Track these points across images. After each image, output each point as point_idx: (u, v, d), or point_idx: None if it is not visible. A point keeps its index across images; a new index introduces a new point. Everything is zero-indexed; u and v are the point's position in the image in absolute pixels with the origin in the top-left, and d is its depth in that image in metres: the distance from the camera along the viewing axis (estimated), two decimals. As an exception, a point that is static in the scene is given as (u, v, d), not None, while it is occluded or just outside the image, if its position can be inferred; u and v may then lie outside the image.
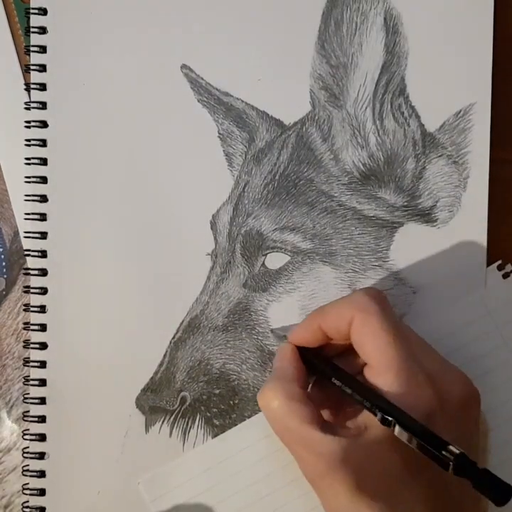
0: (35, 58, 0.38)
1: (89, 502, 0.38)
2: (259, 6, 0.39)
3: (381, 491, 0.30)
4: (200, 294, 0.38)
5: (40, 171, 0.38)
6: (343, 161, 0.38)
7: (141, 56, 0.39)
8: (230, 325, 0.38)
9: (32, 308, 0.38)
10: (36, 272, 0.38)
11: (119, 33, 0.39)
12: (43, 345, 0.38)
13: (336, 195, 0.38)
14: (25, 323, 0.38)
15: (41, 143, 0.38)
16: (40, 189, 0.38)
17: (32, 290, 0.38)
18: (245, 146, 0.39)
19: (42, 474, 0.38)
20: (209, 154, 0.39)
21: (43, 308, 0.38)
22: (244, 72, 0.39)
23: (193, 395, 0.38)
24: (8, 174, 0.39)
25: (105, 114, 0.39)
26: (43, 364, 0.38)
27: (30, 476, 0.38)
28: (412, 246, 0.38)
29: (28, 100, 0.38)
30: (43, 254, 0.38)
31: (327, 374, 0.33)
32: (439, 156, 0.38)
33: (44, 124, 0.38)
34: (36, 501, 0.38)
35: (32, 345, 0.38)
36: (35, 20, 0.38)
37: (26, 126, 0.38)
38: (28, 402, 0.38)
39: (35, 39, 0.38)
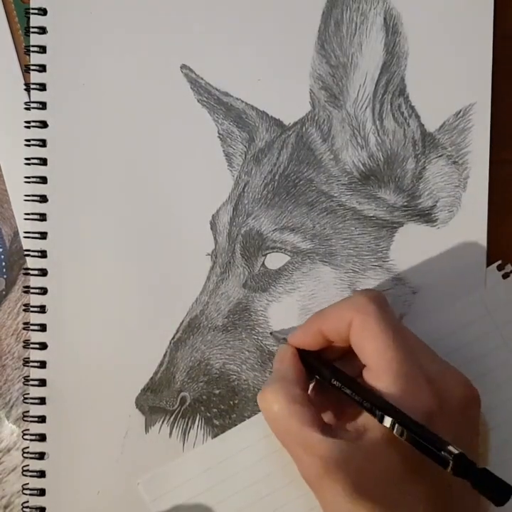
0: (35, 58, 0.38)
1: (89, 502, 0.38)
2: (259, 6, 0.39)
3: (381, 493, 0.30)
4: (200, 294, 0.38)
5: (40, 171, 0.38)
6: (343, 161, 0.38)
7: (141, 56, 0.39)
8: (229, 325, 0.38)
9: (32, 309, 0.38)
10: (36, 272, 0.38)
11: (119, 33, 0.39)
12: (43, 346, 0.38)
13: (335, 195, 0.38)
14: (25, 324, 0.38)
15: (41, 143, 0.38)
16: (39, 189, 0.38)
17: (32, 290, 0.38)
18: (245, 146, 0.39)
19: (42, 474, 0.38)
20: (209, 154, 0.39)
21: (42, 309, 0.38)
22: (244, 72, 0.39)
23: (192, 395, 0.38)
24: (8, 174, 0.39)
25: (105, 114, 0.39)
26: (42, 364, 0.38)
27: (30, 476, 0.38)
28: (412, 246, 0.38)
29: (27, 100, 0.38)
30: (43, 254, 0.38)
31: (327, 376, 0.33)
32: (439, 156, 0.38)
33: (44, 124, 0.38)
34: (36, 501, 0.38)
35: (32, 346, 0.38)
36: (35, 21, 0.38)
37: (26, 127, 0.38)
38: (27, 402, 0.38)
39: (35, 39, 0.38)
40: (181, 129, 0.39)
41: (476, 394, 0.33)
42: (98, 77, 0.39)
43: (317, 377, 0.34)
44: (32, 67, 0.38)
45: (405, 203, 0.38)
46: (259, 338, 0.38)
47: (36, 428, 0.38)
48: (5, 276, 0.40)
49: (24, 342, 0.38)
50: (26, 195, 0.38)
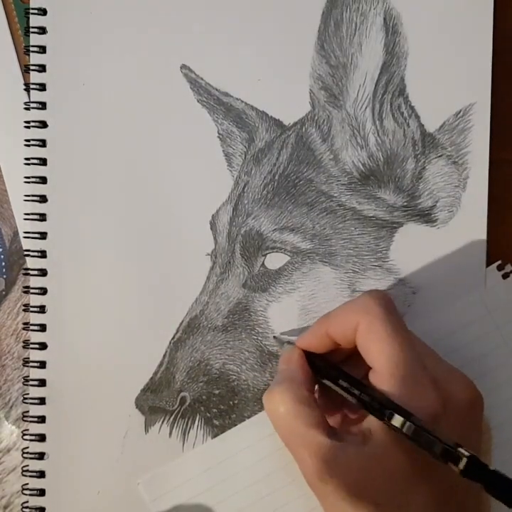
0: (35, 58, 0.38)
1: (89, 502, 0.38)
2: (259, 6, 0.39)
3: (386, 496, 0.30)
4: (200, 294, 0.38)
5: (40, 171, 0.38)
6: (343, 161, 0.38)
7: (141, 56, 0.39)
8: (229, 325, 0.38)
9: (32, 309, 0.38)
10: (36, 272, 0.38)
11: (119, 33, 0.39)
12: (43, 346, 0.38)
13: (335, 195, 0.38)
14: (24, 324, 0.38)
15: (41, 143, 0.38)
16: (39, 189, 0.38)
17: (32, 290, 0.38)
18: (245, 147, 0.39)
19: (41, 474, 0.38)
20: (209, 154, 0.39)
21: (42, 309, 0.38)
22: (244, 73, 0.39)
23: (192, 396, 0.38)
24: (8, 174, 0.39)
25: (105, 115, 0.39)
26: (42, 364, 0.38)
27: (30, 476, 0.38)
28: (411, 246, 0.38)
29: (27, 100, 0.38)
30: (43, 254, 0.38)
31: (333, 378, 0.33)
32: (439, 156, 0.38)
33: (44, 124, 0.38)
34: (36, 501, 0.37)
35: (32, 346, 0.38)
36: (35, 21, 0.38)
37: (26, 127, 0.38)
38: (27, 403, 0.38)
39: (35, 39, 0.38)
40: (181, 129, 0.39)
41: (480, 396, 0.33)
42: (98, 77, 0.39)
43: (323, 380, 0.34)
44: (32, 67, 0.38)
45: (405, 203, 0.38)
46: (259, 338, 0.38)
47: (36, 428, 0.38)
48: (5, 277, 0.40)
49: (24, 342, 0.38)
50: (26, 195, 0.38)
